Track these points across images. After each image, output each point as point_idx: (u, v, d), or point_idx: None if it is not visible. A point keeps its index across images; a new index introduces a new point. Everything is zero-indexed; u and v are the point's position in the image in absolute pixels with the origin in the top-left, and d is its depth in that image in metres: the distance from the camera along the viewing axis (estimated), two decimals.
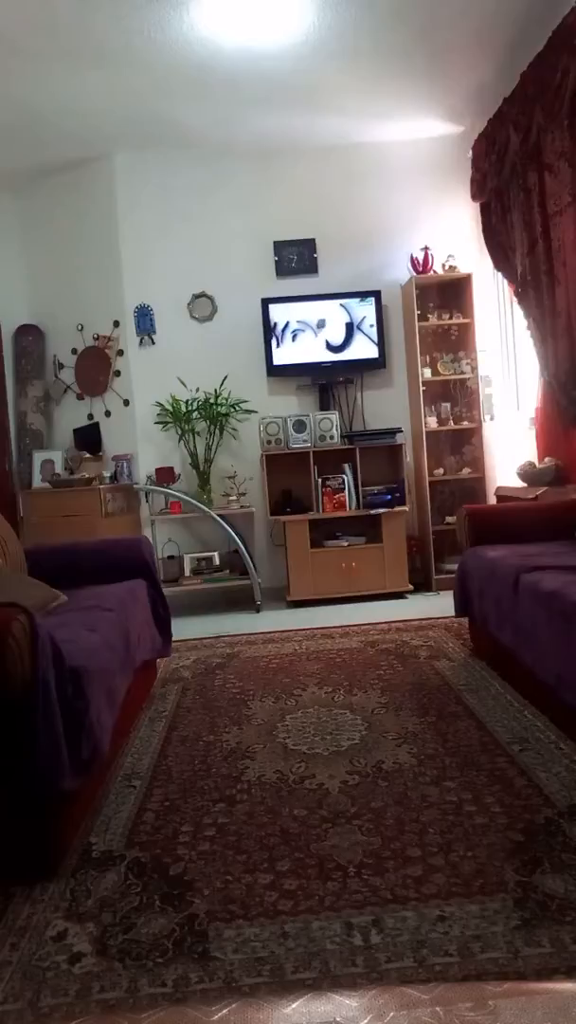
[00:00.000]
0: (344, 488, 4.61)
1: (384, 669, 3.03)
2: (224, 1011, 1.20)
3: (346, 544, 4.60)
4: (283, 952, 1.34)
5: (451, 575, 3.64)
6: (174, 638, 3.20)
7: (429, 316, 4.84)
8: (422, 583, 4.76)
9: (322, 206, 4.93)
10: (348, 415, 5.00)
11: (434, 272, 4.79)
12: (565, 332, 3.55)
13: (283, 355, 4.89)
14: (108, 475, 4.72)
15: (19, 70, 3.67)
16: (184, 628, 3.98)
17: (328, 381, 4.90)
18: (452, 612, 3.24)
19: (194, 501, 4.66)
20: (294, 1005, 1.20)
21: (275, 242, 4.94)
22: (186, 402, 4.82)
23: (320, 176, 4.92)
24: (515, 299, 4.14)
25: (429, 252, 4.78)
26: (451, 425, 4.87)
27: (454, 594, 3.20)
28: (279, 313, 4.86)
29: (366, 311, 4.90)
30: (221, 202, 4.91)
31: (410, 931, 1.37)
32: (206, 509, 4.62)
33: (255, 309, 4.89)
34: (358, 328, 4.90)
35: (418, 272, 4.79)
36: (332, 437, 4.68)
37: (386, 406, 5.01)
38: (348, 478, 4.62)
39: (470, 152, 4.52)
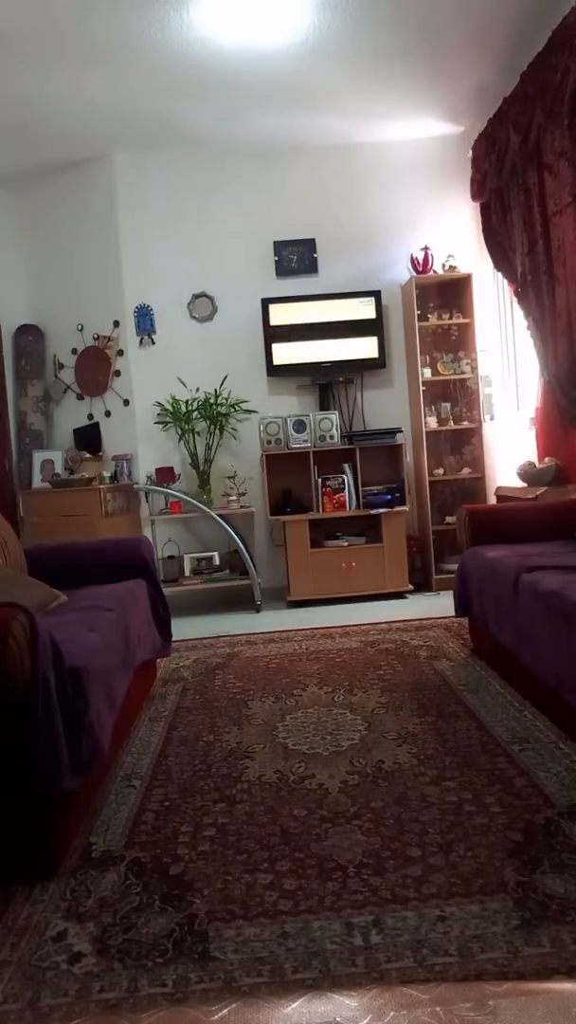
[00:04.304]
0: (344, 488, 4.61)
1: (384, 669, 3.03)
2: (224, 1011, 1.20)
3: (346, 544, 4.60)
4: (283, 952, 1.34)
5: (451, 575, 3.64)
6: (174, 638, 3.20)
7: (429, 316, 4.84)
8: (422, 583, 4.77)
9: (322, 206, 4.93)
10: (348, 415, 5.00)
11: (434, 272, 4.80)
12: (565, 332, 3.55)
13: (283, 355, 4.89)
14: (108, 475, 4.72)
15: (19, 69, 3.67)
16: (184, 628, 3.98)
17: (328, 381, 4.90)
18: (452, 612, 3.24)
19: (194, 501, 4.66)
20: (294, 1005, 1.20)
21: (275, 242, 4.94)
22: (186, 402, 4.83)
23: (320, 176, 4.92)
24: (515, 299, 4.14)
25: (429, 252, 4.78)
26: (451, 425, 4.87)
27: (454, 594, 3.20)
28: (279, 313, 4.86)
29: (366, 311, 4.89)
30: (221, 202, 4.91)
31: (410, 931, 1.36)
32: (206, 509, 4.62)
33: (255, 309, 4.89)
34: (358, 328, 4.90)
35: (418, 272, 4.79)
36: (332, 437, 4.68)
37: (386, 406, 5.01)
38: (348, 478, 4.62)
39: (470, 152, 4.52)
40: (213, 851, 1.70)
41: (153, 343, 4.93)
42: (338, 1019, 1.16)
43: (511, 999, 1.17)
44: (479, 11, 3.47)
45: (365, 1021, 1.15)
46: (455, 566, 3.32)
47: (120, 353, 4.95)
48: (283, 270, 4.96)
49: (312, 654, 3.36)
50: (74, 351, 5.09)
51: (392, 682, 2.85)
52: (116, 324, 4.94)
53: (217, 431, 4.85)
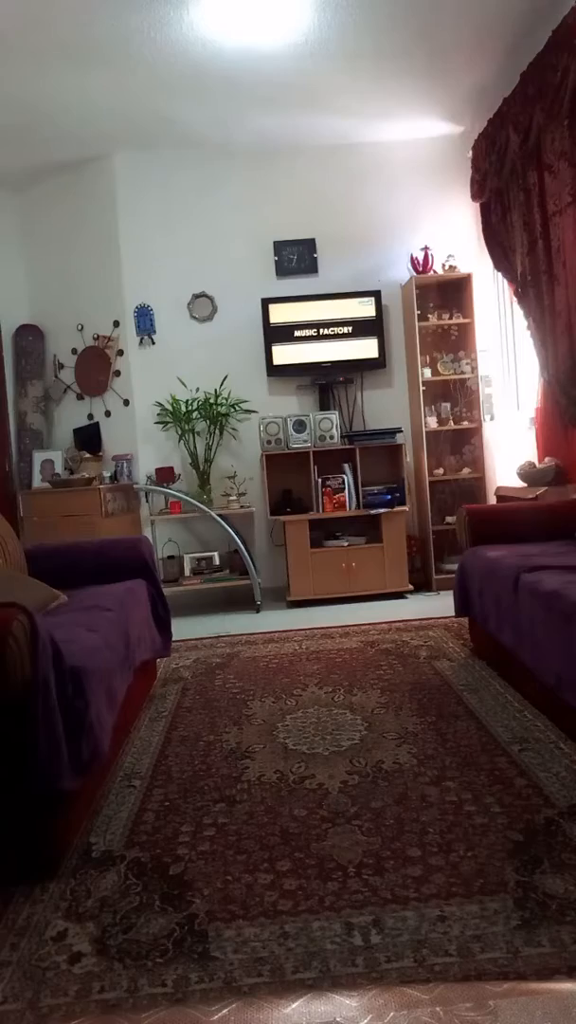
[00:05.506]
0: (344, 488, 4.61)
1: (384, 669, 3.03)
2: (224, 1011, 1.20)
3: (346, 544, 4.60)
4: (283, 952, 1.34)
5: (451, 575, 3.64)
6: (174, 638, 3.20)
7: (429, 316, 4.84)
8: (422, 583, 4.76)
9: (322, 206, 4.93)
10: (348, 415, 5.00)
11: (434, 272, 4.80)
12: (565, 332, 3.55)
13: (283, 355, 4.89)
14: (108, 475, 4.73)
15: (19, 70, 3.67)
16: (184, 628, 3.98)
17: (328, 381, 4.90)
18: (452, 612, 3.24)
19: (194, 501, 4.66)
20: (294, 1005, 1.20)
21: (275, 242, 4.94)
22: (186, 402, 4.83)
23: (320, 176, 4.92)
24: (515, 299, 4.14)
25: (429, 252, 4.78)
26: (451, 425, 4.87)
27: (454, 594, 3.19)
28: (279, 313, 4.86)
29: (366, 311, 4.89)
30: (221, 202, 4.91)
31: (410, 931, 1.36)
32: (206, 509, 4.62)
33: (255, 309, 4.89)
34: (358, 328, 4.90)
35: (418, 272, 4.79)
36: (332, 437, 4.68)
37: (386, 406, 5.01)
38: (348, 478, 4.62)
39: (470, 152, 4.52)
40: (213, 851, 1.70)
41: (153, 343, 4.93)
42: (338, 1019, 1.16)
43: (511, 999, 1.17)
44: (479, 11, 3.47)
45: (365, 1021, 1.15)
46: (455, 566, 3.32)
47: (120, 353, 4.95)
48: (283, 270, 4.96)
49: (312, 654, 3.36)
50: (74, 351, 5.09)
51: (392, 682, 2.84)
52: (116, 324, 4.94)
53: (217, 431, 4.85)
